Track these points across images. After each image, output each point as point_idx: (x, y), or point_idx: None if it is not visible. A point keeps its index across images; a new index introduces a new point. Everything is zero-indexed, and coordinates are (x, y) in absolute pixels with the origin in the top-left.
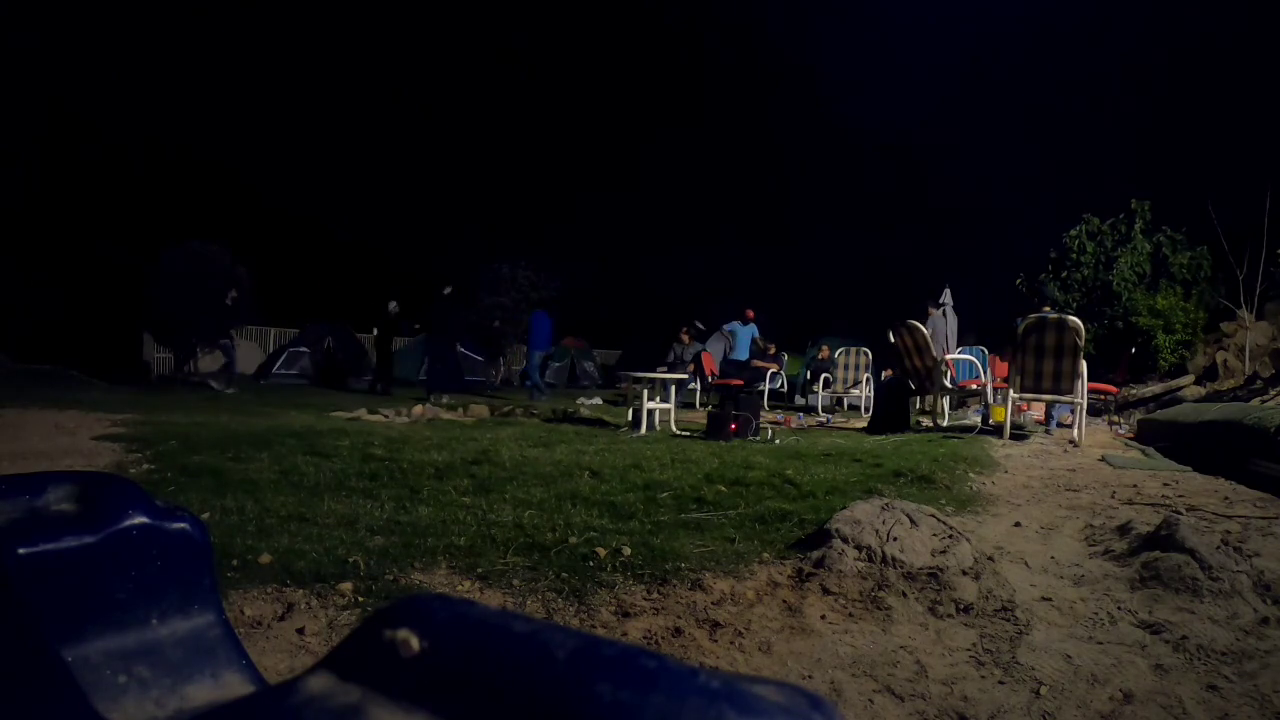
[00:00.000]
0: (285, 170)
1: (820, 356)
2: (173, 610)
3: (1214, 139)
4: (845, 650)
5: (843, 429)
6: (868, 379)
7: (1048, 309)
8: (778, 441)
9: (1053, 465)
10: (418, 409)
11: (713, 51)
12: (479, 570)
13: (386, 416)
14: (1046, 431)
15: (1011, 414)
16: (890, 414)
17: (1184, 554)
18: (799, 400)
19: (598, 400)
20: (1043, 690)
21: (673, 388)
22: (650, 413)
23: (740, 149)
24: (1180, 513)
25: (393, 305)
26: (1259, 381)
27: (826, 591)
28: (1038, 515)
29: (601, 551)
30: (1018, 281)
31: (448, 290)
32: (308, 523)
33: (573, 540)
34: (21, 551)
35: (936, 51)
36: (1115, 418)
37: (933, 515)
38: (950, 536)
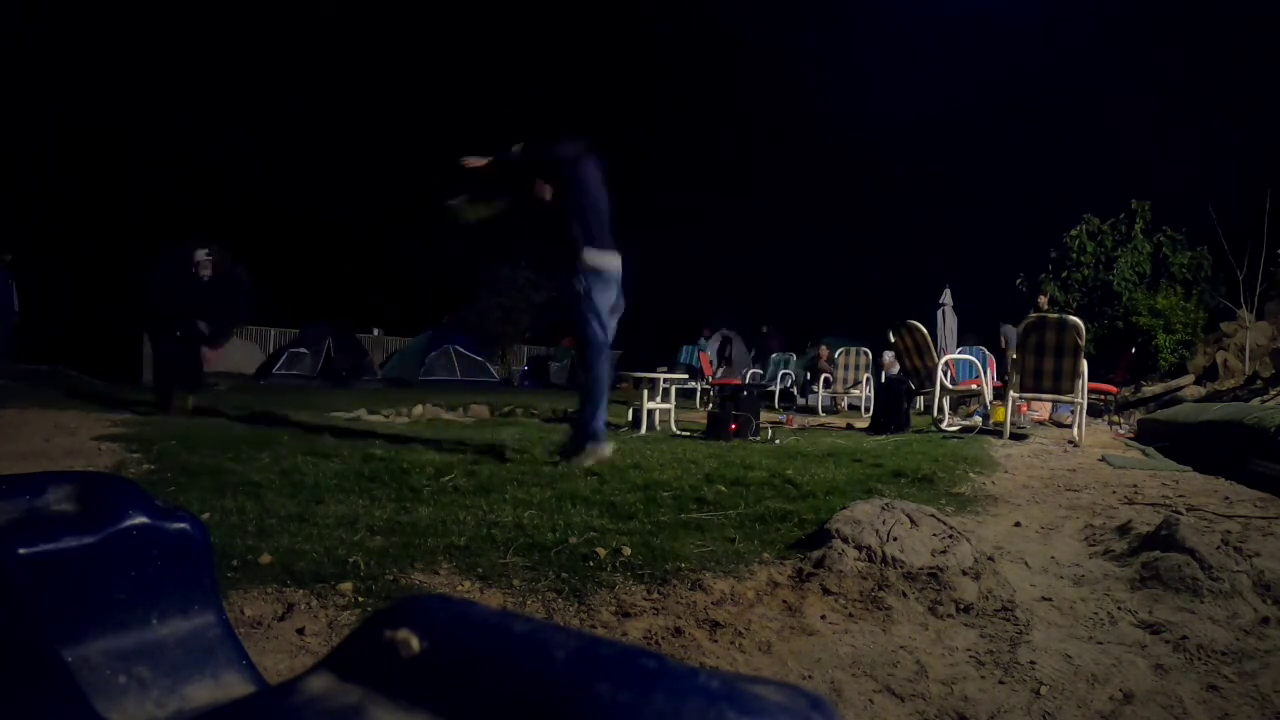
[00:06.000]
0: (284, 170)
1: (820, 357)
2: (173, 610)
3: (1214, 139)
4: (845, 650)
5: (842, 429)
6: (868, 379)
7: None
8: (778, 441)
9: (1053, 465)
10: (418, 409)
11: (711, 49)
12: (479, 570)
13: (386, 416)
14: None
15: (1012, 414)
16: (890, 414)
17: (1184, 554)
18: (799, 400)
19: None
20: (1043, 690)
21: (673, 388)
22: (650, 413)
23: (740, 149)
24: (1180, 513)
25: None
26: (1259, 381)
27: (826, 591)
28: (1038, 515)
29: (601, 551)
30: (1018, 281)
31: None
32: (308, 523)
33: (573, 540)
34: (21, 551)
35: (937, 51)
36: (1115, 418)
37: (933, 515)
38: (950, 536)
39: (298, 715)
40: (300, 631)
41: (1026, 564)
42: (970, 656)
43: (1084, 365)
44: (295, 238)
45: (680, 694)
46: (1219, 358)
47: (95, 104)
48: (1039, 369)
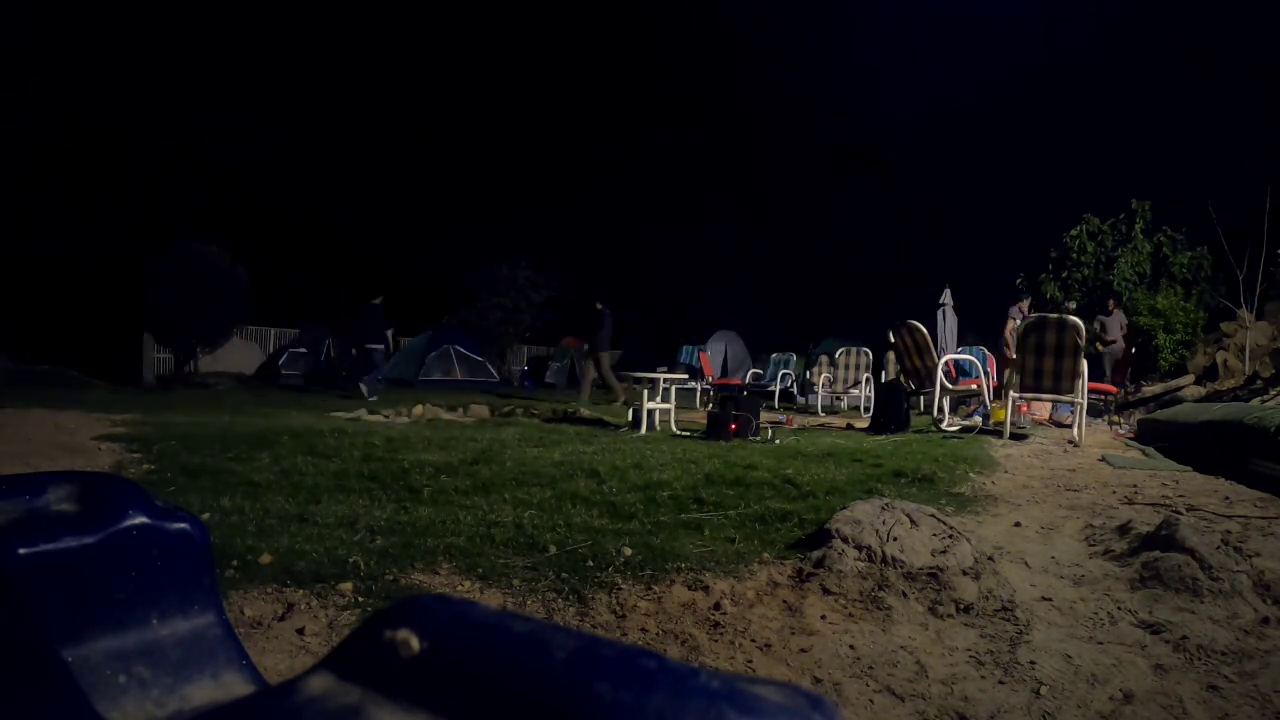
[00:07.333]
0: (284, 170)
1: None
2: (173, 610)
3: (1214, 139)
4: (845, 650)
5: (842, 429)
6: (867, 379)
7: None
8: (778, 441)
9: (1053, 465)
10: (418, 409)
11: (711, 49)
12: (479, 570)
13: (386, 416)
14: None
15: (1012, 414)
16: (890, 414)
17: (1184, 554)
18: (799, 400)
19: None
20: (1043, 690)
21: (673, 388)
22: (650, 413)
23: (741, 149)
24: (1180, 513)
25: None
26: (1259, 381)
27: (826, 591)
28: (1038, 515)
29: (602, 551)
30: (1018, 281)
31: (378, 300)
32: (308, 523)
33: (573, 540)
34: (21, 551)
35: (937, 51)
36: (1115, 418)
37: (933, 515)
38: (950, 536)
39: (298, 715)
40: (300, 631)
41: (1026, 564)
42: (970, 656)
43: (1084, 365)
44: (295, 238)
45: (680, 694)
46: (1219, 358)
47: (95, 104)
48: (1039, 369)
